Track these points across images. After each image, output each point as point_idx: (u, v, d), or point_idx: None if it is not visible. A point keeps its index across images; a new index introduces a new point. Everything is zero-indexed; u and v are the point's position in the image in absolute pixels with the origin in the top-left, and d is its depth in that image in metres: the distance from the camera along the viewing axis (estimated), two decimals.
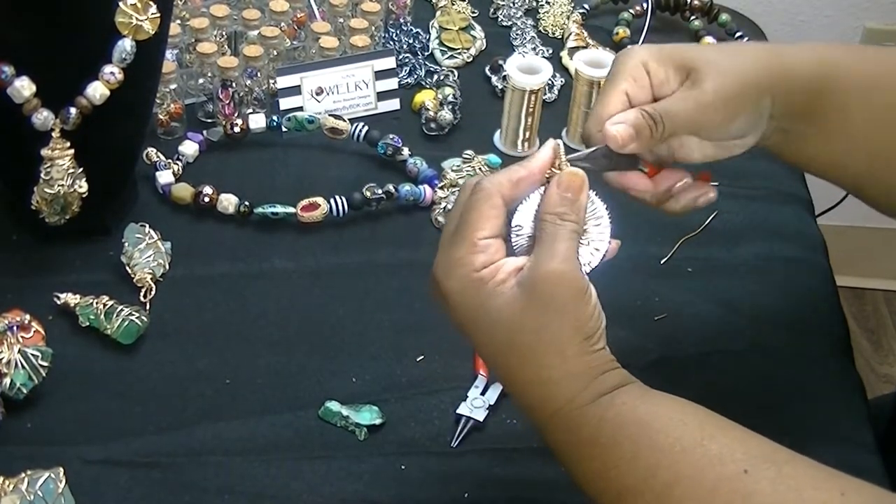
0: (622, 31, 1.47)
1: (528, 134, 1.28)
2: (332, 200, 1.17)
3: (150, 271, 1.09)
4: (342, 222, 1.18)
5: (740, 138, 0.88)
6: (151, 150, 1.20)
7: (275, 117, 1.26)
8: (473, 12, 1.49)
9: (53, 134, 1.04)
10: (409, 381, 1.02)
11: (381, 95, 1.31)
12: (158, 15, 1.03)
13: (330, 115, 1.25)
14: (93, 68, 1.03)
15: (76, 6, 1.01)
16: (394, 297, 1.10)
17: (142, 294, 1.08)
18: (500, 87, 1.36)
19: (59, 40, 1.02)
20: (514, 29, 1.47)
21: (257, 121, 1.26)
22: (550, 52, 1.44)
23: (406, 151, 1.24)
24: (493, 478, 0.95)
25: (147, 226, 1.12)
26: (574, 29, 1.46)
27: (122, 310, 1.03)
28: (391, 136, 1.24)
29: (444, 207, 1.18)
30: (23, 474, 0.88)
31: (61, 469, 0.90)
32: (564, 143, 1.30)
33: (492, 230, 0.77)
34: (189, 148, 1.23)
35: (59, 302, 1.05)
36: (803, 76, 0.89)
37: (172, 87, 1.25)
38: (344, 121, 1.25)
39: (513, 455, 0.97)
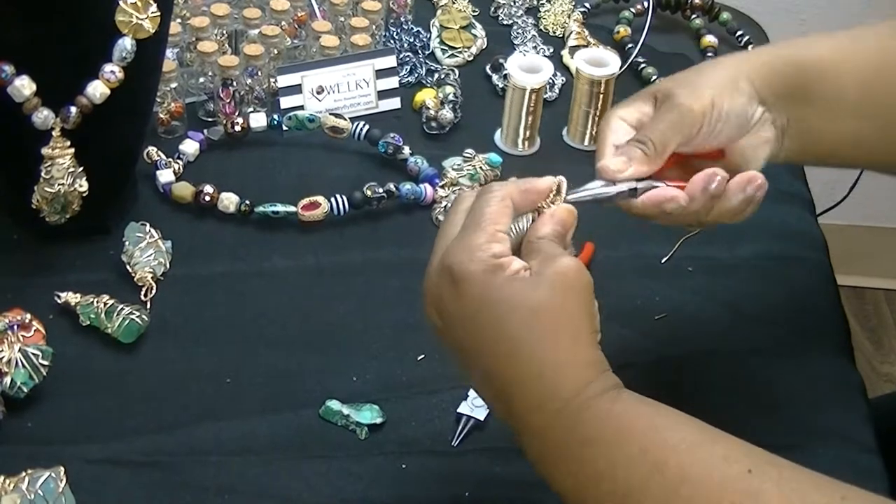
0: (623, 30, 1.47)
1: (528, 133, 1.28)
2: (332, 199, 1.17)
3: (151, 270, 1.09)
4: (343, 221, 1.18)
5: (747, 130, 0.91)
6: (152, 149, 1.20)
7: (275, 116, 1.26)
8: (474, 11, 1.49)
9: (54, 133, 1.04)
10: (410, 380, 1.02)
11: (382, 94, 1.31)
12: (159, 13, 1.03)
13: (331, 113, 1.25)
14: (93, 67, 1.03)
15: (76, 5, 1.01)
16: (395, 296, 1.10)
17: (142, 293, 1.08)
18: (500, 85, 1.36)
19: (60, 39, 1.02)
20: (514, 28, 1.47)
21: (258, 119, 1.25)
22: (551, 50, 1.44)
23: (407, 150, 1.24)
24: (493, 477, 0.95)
25: (148, 225, 1.11)
26: (575, 28, 1.46)
27: (122, 309, 1.03)
28: (392, 134, 1.24)
29: (445, 206, 1.18)
30: (23, 473, 0.88)
31: (62, 468, 0.90)
32: (565, 142, 1.31)
33: (505, 226, 0.79)
34: (190, 147, 1.23)
35: (59, 301, 1.05)
36: (775, 56, 0.93)
37: (173, 85, 1.25)
38: (345, 119, 1.24)
39: (513, 454, 0.96)
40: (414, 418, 0.99)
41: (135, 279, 1.08)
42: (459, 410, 0.99)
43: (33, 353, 0.97)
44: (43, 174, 1.05)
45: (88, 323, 1.04)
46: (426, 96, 1.32)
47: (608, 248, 1.16)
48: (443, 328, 0.79)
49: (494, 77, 1.38)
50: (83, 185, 1.07)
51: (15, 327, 0.99)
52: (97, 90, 1.03)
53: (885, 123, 0.95)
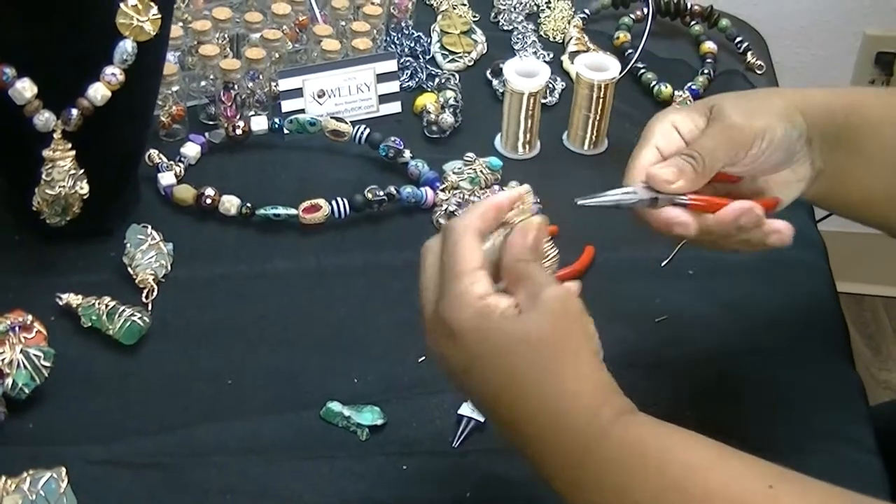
0: (622, 36, 1.47)
1: (528, 136, 1.28)
2: (333, 202, 1.17)
3: (152, 272, 1.09)
4: (344, 224, 1.18)
5: (788, 165, 0.91)
6: (153, 152, 1.20)
7: (277, 119, 1.26)
8: (475, 16, 1.50)
9: (55, 135, 1.04)
10: (411, 381, 1.02)
11: (383, 98, 1.31)
12: (159, 16, 1.04)
13: (332, 117, 1.25)
14: (94, 69, 1.03)
15: (77, 7, 1.01)
16: (395, 298, 1.10)
17: (144, 295, 1.08)
18: (500, 90, 1.36)
19: (61, 41, 1.02)
20: (515, 33, 1.48)
21: (259, 123, 1.26)
22: (551, 56, 1.44)
23: (407, 154, 1.24)
24: (494, 478, 0.95)
25: (149, 227, 1.12)
26: (575, 33, 1.46)
27: (123, 310, 1.03)
28: (393, 138, 1.25)
29: (446, 209, 1.19)
30: (25, 474, 0.89)
31: (63, 469, 0.90)
32: (565, 146, 1.31)
33: (479, 261, 0.78)
34: (191, 150, 1.23)
35: (61, 302, 1.05)
36: (832, 99, 0.93)
37: (174, 89, 1.25)
38: (346, 123, 1.25)
39: (514, 455, 0.97)
40: (415, 419, 1.00)
41: (136, 281, 1.08)
42: (460, 412, 0.99)
43: (35, 355, 0.97)
44: (44, 176, 1.05)
45: (90, 324, 1.04)
46: (427, 100, 1.32)
47: (608, 250, 1.16)
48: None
49: (494, 82, 1.38)
50: (84, 188, 1.07)
51: (16, 329, 0.99)
52: (98, 92, 1.03)
53: None
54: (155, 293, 1.08)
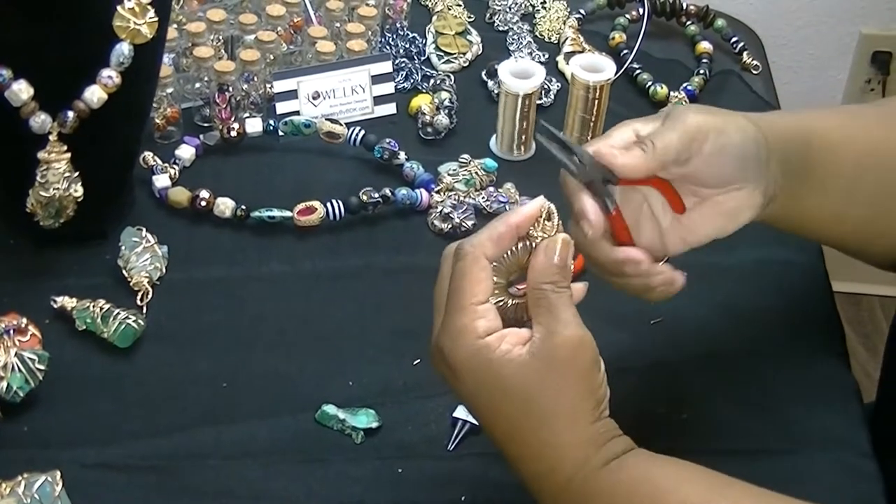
0: (618, 36, 1.47)
1: (523, 138, 1.28)
2: (328, 204, 1.17)
3: (147, 275, 1.09)
4: (339, 226, 1.18)
5: (738, 183, 0.87)
6: (148, 154, 1.20)
7: (271, 121, 1.26)
8: (470, 17, 1.50)
9: (50, 137, 1.04)
10: (406, 384, 1.02)
11: (378, 100, 1.31)
12: (156, 19, 1.03)
13: (326, 119, 1.25)
14: (90, 72, 1.03)
15: (74, 10, 1.01)
16: (391, 300, 1.10)
17: (138, 298, 1.08)
18: (495, 91, 1.36)
19: (57, 43, 1.02)
20: (510, 34, 1.48)
21: (254, 125, 1.26)
22: (546, 56, 1.44)
23: (402, 155, 1.24)
24: (489, 481, 0.95)
25: (144, 229, 1.12)
26: (570, 34, 1.46)
27: (118, 313, 1.03)
28: (388, 140, 1.25)
29: (441, 211, 1.18)
30: (20, 477, 0.89)
31: (58, 472, 0.90)
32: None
33: (485, 294, 0.78)
34: (186, 152, 1.23)
35: (55, 305, 1.05)
36: (789, 126, 0.92)
37: (169, 91, 1.25)
38: (340, 125, 1.25)
39: None
40: (410, 423, 1.00)
41: (131, 284, 1.08)
42: (455, 415, 0.99)
43: (29, 358, 0.97)
44: (38, 178, 1.05)
45: (85, 327, 1.04)
46: (422, 102, 1.32)
47: None
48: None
49: (490, 83, 1.38)
50: (78, 190, 1.07)
51: (11, 332, 0.99)
52: (95, 95, 1.03)
53: (871, 209, 0.95)
54: (149, 296, 1.08)
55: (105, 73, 1.03)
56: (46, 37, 1.01)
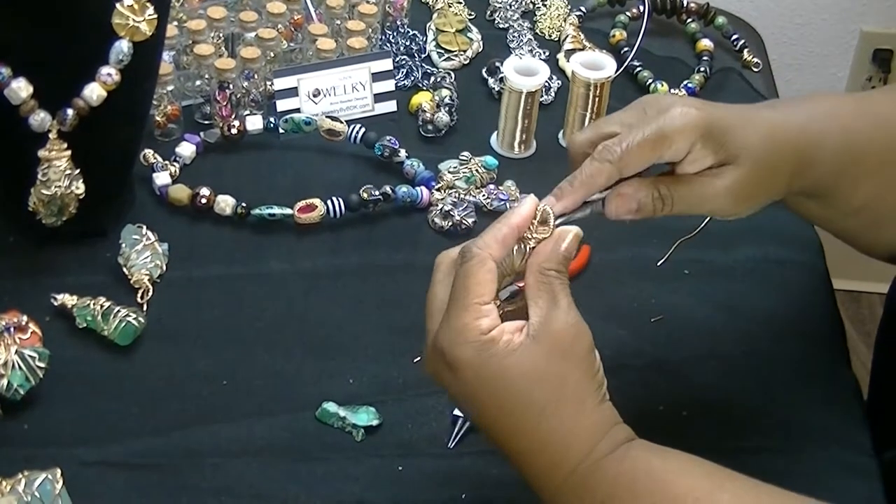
0: (619, 34, 1.47)
1: (524, 136, 1.28)
2: (329, 202, 1.17)
3: (148, 273, 1.09)
4: (339, 224, 1.18)
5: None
6: (148, 152, 1.20)
7: (272, 119, 1.26)
8: (470, 14, 1.49)
9: (50, 135, 1.04)
10: (406, 382, 1.02)
11: (378, 97, 1.31)
12: (155, 16, 1.03)
13: (327, 116, 1.25)
14: (90, 70, 1.03)
15: (73, 7, 1.01)
16: (391, 298, 1.10)
17: (139, 295, 1.08)
18: (496, 89, 1.36)
19: (57, 41, 1.02)
20: (510, 31, 1.47)
21: (254, 122, 1.26)
22: (547, 54, 1.44)
23: (403, 153, 1.24)
24: (489, 479, 0.95)
25: (144, 227, 1.11)
26: (571, 31, 1.46)
27: (119, 311, 1.03)
28: (388, 137, 1.24)
29: (441, 209, 1.18)
30: (20, 475, 0.88)
31: (58, 470, 0.89)
32: (560, 145, 1.31)
33: (490, 295, 0.78)
34: (186, 149, 1.23)
35: (56, 303, 1.05)
36: (826, 161, 0.90)
37: (169, 88, 1.25)
38: (341, 122, 1.25)
39: None
40: (410, 420, 1.00)
41: (131, 282, 1.08)
42: (455, 413, 0.99)
43: (30, 356, 0.97)
44: (39, 176, 1.05)
45: (85, 325, 1.04)
46: (422, 99, 1.32)
47: (604, 250, 1.16)
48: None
49: (490, 80, 1.38)
50: (80, 188, 1.07)
51: (11, 329, 0.99)
52: (94, 93, 1.03)
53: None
54: (150, 294, 1.08)
55: (104, 70, 1.03)
56: (46, 35, 1.01)
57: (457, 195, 1.20)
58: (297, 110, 1.27)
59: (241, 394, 1.01)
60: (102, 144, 1.09)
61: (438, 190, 1.21)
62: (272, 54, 1.30)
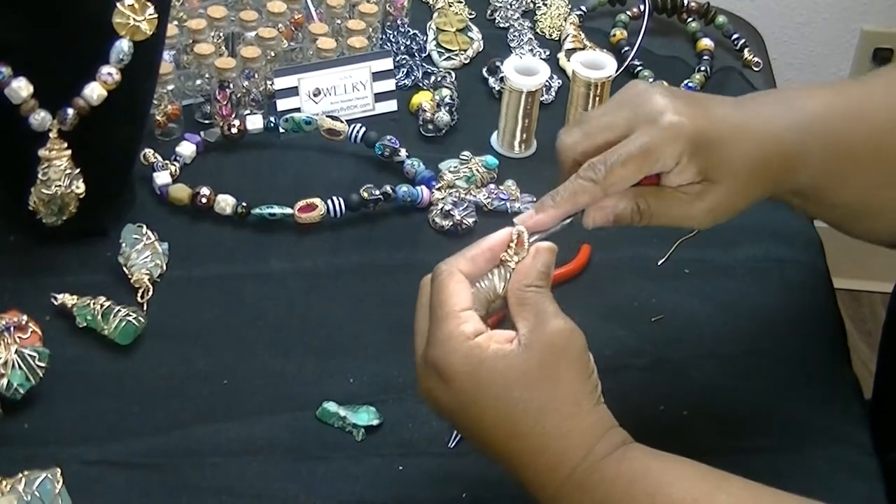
0: (619, 33, 1.47)
1: (525, 135, 1.28)
2: (329, 201, 1.17)
3: (148, 272, 1.09)
4: (340, 223, 1.18)
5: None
6: (149, 151, 1.20)
7: (272, 118, 1.26)
8: (471, 14, 1.49)
9: (51, 135, 1.04)
10: (407, 381, 1.02)
11: (379, 97, 1.31)
12: (156, 16, 1.03)
13: (327, 116, 1.25)
14: (90, 69, 1.03)
15: (73, 7, 1.01)
16: (391, 298, 1.10)
17: (139, 295, 1.08)
18: (497, 88, 1.36)
19: (57, 41, 1.02)
20: (511, 31, 1.47)
21: (255, 122, 1.25)
22: (547, 53, 1.44)
23: (403, 153, 1.24)
24: (490, 478, 0.95)
25: (144, 226, 1.11)
26: (571, 31, 1.46)
27: (119, 310, 1.03)
28: (388, 137, 1.24)
29: (442, 208, 1.18)
30: (20, 475, 0.88)
31: (59, 470, 0.89)
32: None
33: (466, 301, 0.78)
34: (186, 149, 1.23)
35: (56, 303, 1.05)
36: (814, 165, 0.90)
37: (170, 88, 1.25)
38: (341, 122, 1.25)
39: None
40: (410, 420, 0.99)
41: (131, 281, 1.08)
42: None
43: (30, 355, 0.97)
44: (40, 176, 1.05)
45: (85, 325, 1.04)
46: (423, 99, 1.32)
47: (605, 249, 1.16)
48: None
49: (491, 80, 1.38)
50: (80, 187, 1.07)
51: (11, 329, 0.99)
52: (94, 92, 1.03)
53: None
54: (150, 293, 1.08)
55: (105, 70, 1.03)
56: (46, 34, 1.01)
57: (457, 195, 1.20)
58: (298, 110, 1.27)
59: (241, 393, 1.01)
60: (103, 144, 1.09)
61: (439, 189, 1.21)
62: (272, 53, 1.30)
